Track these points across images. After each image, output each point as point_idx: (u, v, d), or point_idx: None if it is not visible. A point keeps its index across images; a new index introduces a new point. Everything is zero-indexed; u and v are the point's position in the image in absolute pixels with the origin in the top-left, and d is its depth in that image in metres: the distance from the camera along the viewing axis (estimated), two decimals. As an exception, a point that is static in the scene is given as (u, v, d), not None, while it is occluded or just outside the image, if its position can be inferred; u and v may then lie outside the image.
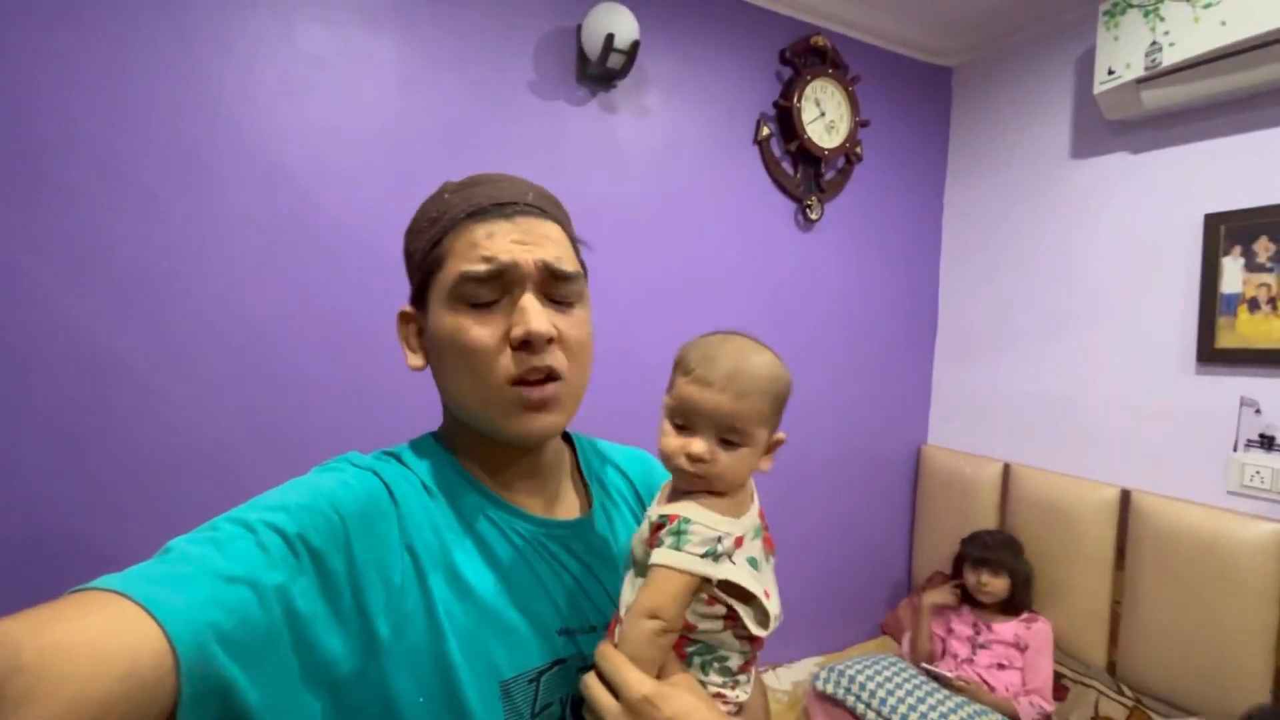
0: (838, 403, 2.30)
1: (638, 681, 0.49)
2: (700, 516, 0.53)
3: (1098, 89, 1.85)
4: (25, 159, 1.26)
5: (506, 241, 0.54)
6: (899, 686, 1.77)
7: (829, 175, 2.20)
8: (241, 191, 1.44)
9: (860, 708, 1.77)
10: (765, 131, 2.06)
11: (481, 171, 0.62)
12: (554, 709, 0.56)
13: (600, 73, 1.73)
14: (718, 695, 0.55)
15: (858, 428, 2.35)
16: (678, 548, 0.52)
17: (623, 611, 0.55)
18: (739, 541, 0.54)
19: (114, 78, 1.32)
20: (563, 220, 0.61)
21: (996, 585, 1.85)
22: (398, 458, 0.58)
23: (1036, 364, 2.17)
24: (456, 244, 0.55)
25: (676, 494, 0.57)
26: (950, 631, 1.92)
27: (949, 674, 1.79)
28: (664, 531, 0.53)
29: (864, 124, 2.18)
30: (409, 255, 0.61)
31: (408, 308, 0.61)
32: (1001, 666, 1.80)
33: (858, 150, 2.21)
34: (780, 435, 0.59)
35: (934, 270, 2.50)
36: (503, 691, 0.52)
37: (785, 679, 2.09)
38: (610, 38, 1.63)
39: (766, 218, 2.12)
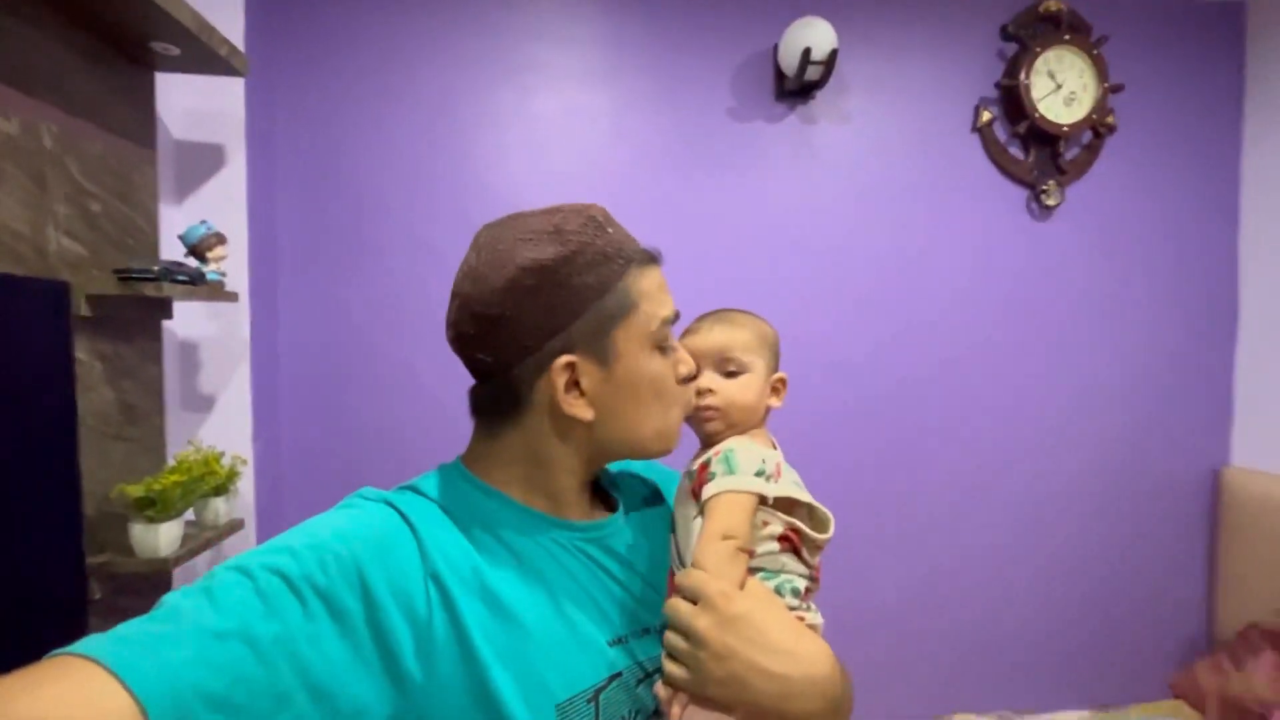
0: (1100, 420, 1.97)
1: (716, 580, 0.49)
2: (741, 445, 0.59)
3: None
4: (355, 234, 1.68)
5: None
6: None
7: (1070, 154, 1.93)
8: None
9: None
10: (986, 116, 1.88)
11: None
12: None
13: (798, 87, 1.75)
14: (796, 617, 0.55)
15: (1129, 450, 1.99)
16: (731, 472, 0.56)
17: (680, 560, 0.59)
18: (778, 468, 0.59)
19: (405, 157, 1.70)
20: None
21: None
22: (414, 489, 0.56)
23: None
24: (644, 285, 0.56)
25: (703, 452, 0.62)
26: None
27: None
28: (712, 465, 0.58)
29: (1115, 89, 1.87)
30: (564, 286, 0.53)
31: (573, 357, 0.53)
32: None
33: (1108, 121, 1.90)
34: (781, 374, 0.66)
35: (1229, 251, 2.02)
36: (559, 715, 0.49)
37: (1037, 729, 1.83)
38: (807, 51, 1.65)
39: (992, 210, 1.92)
